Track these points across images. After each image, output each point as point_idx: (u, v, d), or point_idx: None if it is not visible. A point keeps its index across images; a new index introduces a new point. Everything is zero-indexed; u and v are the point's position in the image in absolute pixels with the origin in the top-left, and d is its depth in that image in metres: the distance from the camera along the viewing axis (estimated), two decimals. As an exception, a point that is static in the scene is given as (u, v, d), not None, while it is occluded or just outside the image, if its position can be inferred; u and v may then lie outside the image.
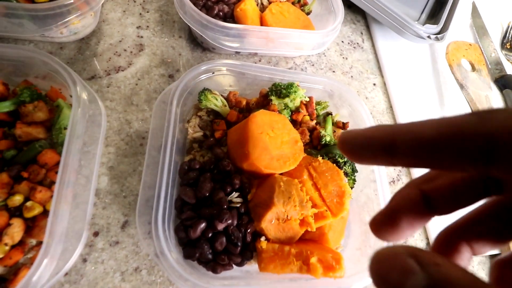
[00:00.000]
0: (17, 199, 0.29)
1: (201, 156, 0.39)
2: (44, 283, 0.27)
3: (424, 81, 0.62)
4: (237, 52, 0.51)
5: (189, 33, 0.50)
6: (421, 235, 0.49)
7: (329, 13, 0.54)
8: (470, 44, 0.71)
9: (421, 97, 0.59)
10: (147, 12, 0.50)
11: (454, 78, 0.64)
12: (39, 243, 0.30)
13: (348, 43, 0.61)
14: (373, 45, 0.63)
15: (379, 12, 0.57)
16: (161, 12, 0.50)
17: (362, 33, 0.64)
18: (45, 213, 0.30)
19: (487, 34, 0.73)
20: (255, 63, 0.52)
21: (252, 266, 0.35)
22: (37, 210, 0.29)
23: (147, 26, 0.49)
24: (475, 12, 0.76)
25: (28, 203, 0.29)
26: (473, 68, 0.67)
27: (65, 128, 0.32)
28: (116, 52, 0.45)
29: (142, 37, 0.48)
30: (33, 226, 0.29)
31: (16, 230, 0.28)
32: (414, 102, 0.58)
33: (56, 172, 0.31)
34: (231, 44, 0.44)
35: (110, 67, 0.44)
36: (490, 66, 0.69)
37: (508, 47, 0.76)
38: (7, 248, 0.28)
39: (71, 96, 0.33)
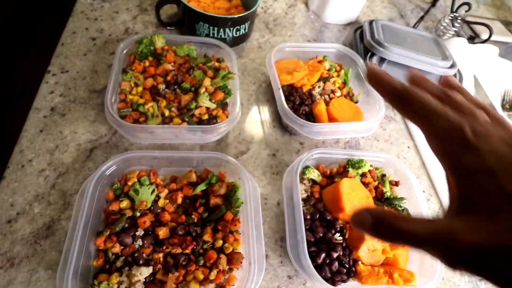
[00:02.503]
0: (220, 242, 0.51)
1: (307, 209, 0.60)
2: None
3: (445, 142, 0.82)
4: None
5: (279, 123, 0.75)
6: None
7: (368, 95, 0.78)
8: (476, 109, 0.92)
9: (445, 154, 0.79)
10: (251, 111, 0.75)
11: (468, 138, 0.84)
12: (230, 269, 0.51)
13: (384, 117, 0.85)
14: (402, 117, 0.86)
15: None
16: (259, 111, 0.76)
17: (392, 109, 0.87)
18: (233, 250, 0.51)
19: (489, 99, 0.95)
20: (323, 142, 0.75)
21: (351, 283, 0.54)
22: (231, 248, 0.51)
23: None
24: (477, 83, 0.99)
25: (226, 245, 0.51)
26: (482, 128, 0.88)
27: (239, 198, 0.55)
28: (238, 141, 0.70)
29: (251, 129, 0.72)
30: (231, 258, 0.50)
31: (223, 261, 0.49)
32: (440, 159, 0.78)
33: (235, 225, 0.53)
34: (314, 133, 0.68)
35: (237, 152, 0.68)
36: (495, 125, 0.89)
37: (508, 107, 0.97)
38: (215, 272, 0.49)
39: (239, 179, 0.56)
